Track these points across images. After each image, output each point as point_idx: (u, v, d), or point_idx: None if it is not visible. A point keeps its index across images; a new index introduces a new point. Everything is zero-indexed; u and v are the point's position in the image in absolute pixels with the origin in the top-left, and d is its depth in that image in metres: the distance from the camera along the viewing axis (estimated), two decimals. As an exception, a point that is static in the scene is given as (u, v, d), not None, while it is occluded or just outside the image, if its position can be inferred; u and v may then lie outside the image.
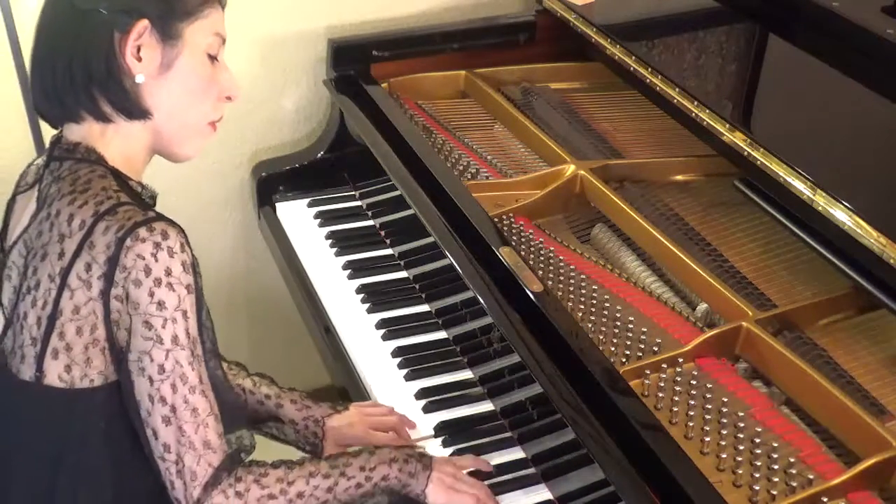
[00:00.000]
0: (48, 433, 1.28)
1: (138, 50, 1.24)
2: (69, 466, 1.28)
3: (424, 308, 1.80)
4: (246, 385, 1.54)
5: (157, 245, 1.20)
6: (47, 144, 1.36)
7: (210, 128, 1.35)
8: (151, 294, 1.20)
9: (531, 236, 1.71)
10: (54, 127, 1.35)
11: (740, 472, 1.30)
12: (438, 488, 1.39)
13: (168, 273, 1.21)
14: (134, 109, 1.28)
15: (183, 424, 1.23)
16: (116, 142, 1.30)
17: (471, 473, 1.45)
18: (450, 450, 1.53)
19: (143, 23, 1.23)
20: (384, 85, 2.07)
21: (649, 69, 1.78)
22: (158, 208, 1.34)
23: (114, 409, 1.27)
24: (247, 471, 1.29)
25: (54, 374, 1.24)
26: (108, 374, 1.25)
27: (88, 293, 1.21)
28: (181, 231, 1.24)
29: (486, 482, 1.45)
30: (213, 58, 1.31)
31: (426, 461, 1.40)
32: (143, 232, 1.20)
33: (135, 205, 1.24)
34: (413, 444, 1.53)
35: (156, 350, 1.21)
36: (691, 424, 1.37)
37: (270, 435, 1.57)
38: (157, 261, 1.20)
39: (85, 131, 1.29)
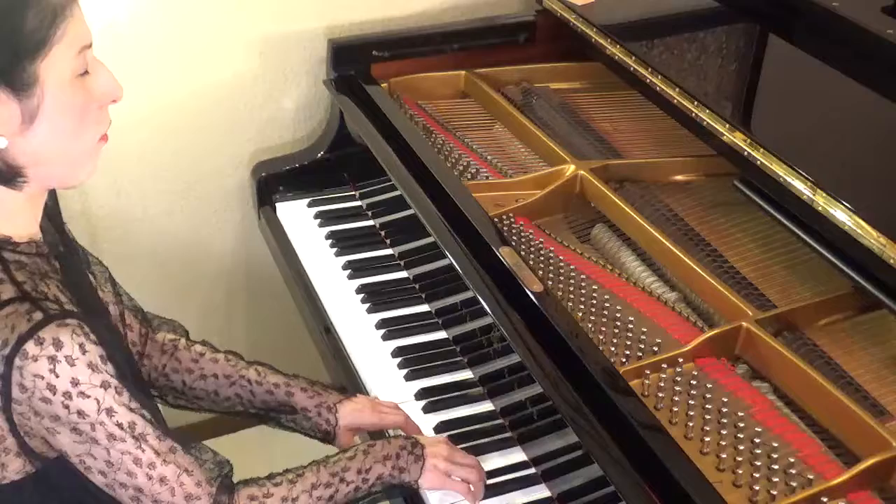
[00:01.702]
0: None
1: None
2: None
3: (424, 308, 1.80)
4: (251, 376, 1.50)
5: (53, 359, 1.08)
6: None
7: (101, 143, 1.17)
8: (67, 406, 1.10)
9: (531, 236, 1.71)
10: None
11: (740, 472, 1.30)
12: (433, 476, 1.39)
13: (75, 383, 1.09)
14: (4, 176, 1.11)
15: (157, 496, 1.17)
16: None
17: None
18: (450, 450, 1.53)
19: None
20: (384, 85, 2.07)
21: (649, 69, 1.78)
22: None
23: (44, 495, 1.20)
24: (248, 495, 1.26)
25: None
26: (28, 471, 1.18)
27: None
28: (76, 326, 1.10)
29: (487, 482, 1.46)
30: (83, 73, 1.11)
31: (418, 451, 1.39)
32: (31, 348, 1.07)
33: (19, 299, 1.09)
34: (421, 432, 1.53)
35: (95, 449, 1.14)
36: (691, 424, 1.37)
37: (279, 425, 1.54)
38: (58, 376, 1.08)
39: None
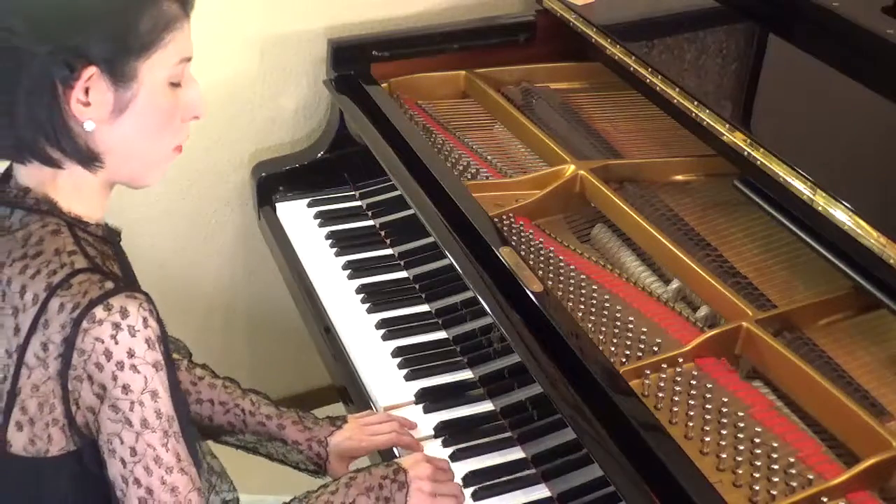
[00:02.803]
0: (16, 501, 1.23)
1: (86, 93, 1.11)
2: None
3: (424, 308, 1.80)
4: (245, 406, 1.51)
5: (117, 325, 1.11)
6: None
7: (175, 152, 1.23)
8: (115, 378, 1.12)
9: (531, 236, 1.71)
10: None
11: (740, 472, 1.31)
12: (419, 499, 1.36)
13: (131, 355, 1.12)
14: (84, 157, 1.16)
15: None
16: (70, 187, 1.19)
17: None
18: (450, 450, 1.53)
19: (90, 71, 1.09)
20: (384, 85, 2.07)
21: (649, 69, 1.78)
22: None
23: (79, 477, 1.21)
24: None
25: (19, 446, 1.18)
26: (69, 448, 1.19)
27: (46, 372, 1.13)
28: (144, 301, 1.14)
29: (486, 482, 1.46)
30: (176, 83, 1.18)
31: (401, 478, 1.37)
32: (99, 312, 1.11)
33: (91, 269, 1.14)
34: (415, 444, 1.53)
35: (125, 433, 1.14)
36: (691, 424, 1.37)
37: (267, 456, 1.54)
38: (117, 343, 1.11)
39: (34, 175, 1.18)
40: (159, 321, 1.16)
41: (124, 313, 1.11)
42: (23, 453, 1.18)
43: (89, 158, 1.16)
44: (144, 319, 1.13)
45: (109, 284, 1.13)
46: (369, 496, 1.33)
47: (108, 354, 1.11)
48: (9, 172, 1.23)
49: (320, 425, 1.52)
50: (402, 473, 1.37)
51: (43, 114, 1.11)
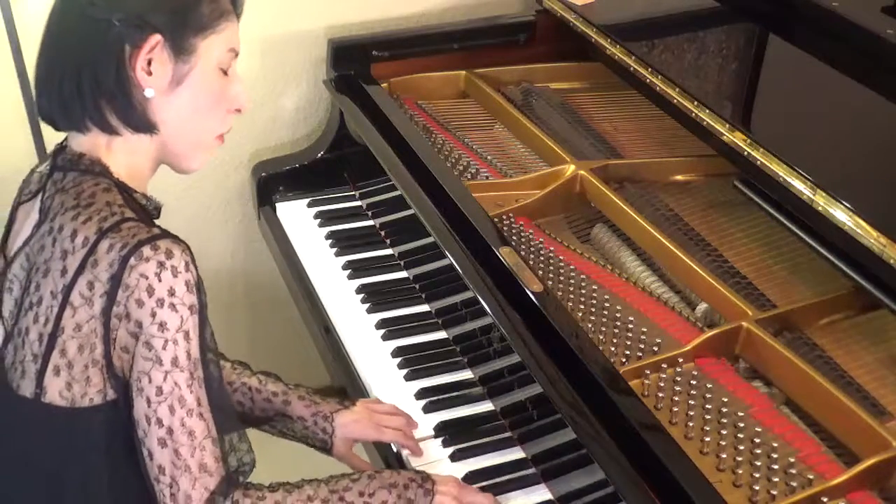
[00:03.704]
0: (48, 450, 1.27)
1: (149, 63, 1.22)
2: (70, 483, 1.27)
3: (424, 308, 1.80)
4: (252, 384, 1.53)
5: (161, 264, 1.18)
6: (49, 150, 1.34)
7: (218, 141, 1.34)
8: (153, 314, 1.18)
9: (531, 236, 1.71)
10: (59, 131, 1.33)
11: (740, 472, 1.30)
12: None
13: (171, 293, 1.18)
14: (141, 123, 1.25)
15: (179, 448, 1.21)
16: (122, 154, 1.28)
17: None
18: (450, 450, 1.53)
19: (156, 38, 1.20)
20: (384, 85, 2.07)
21: (649, 69, 1.78)
22: (163, 209, 1.34)
23: (113, 427, 1.25)
24: (243, 494, 1.26)
25: (55, 392, 1.23)
26: (106, 393, 1.23)
27: (90, 311, 1.19)
28: (187, 249, 1.22)
29: (486, 482, 1.46)
30: (224, 72, 1.29)
31: (428, 486, 1.37)
32: (147, 251, 1.18)
33: (139, 221, 1.22)
34: (417, 449, 1.53)
35: (154, 371, 1.19)
36: (691, 424, 1.37)
37: (280, 432, 1.56)
38: (160, 280, 1.18)
39: (90, 142, 1.27)
40: (199, 277, 1.23)
41: (169, 254, 1.19)
42: (58, 401, 1.23)
43: (147, 126, 1.26)
44: (187, 263, 1.20)
45: (157, 230, 1.22)
46: (391, 492, 1.34)
47: (151, 290, 1.18)
48: (63, 144, 1.31)
49: (327, 402, 1.54)
50: (431, 482, 1.38)
51: (110, 79, 1.21)
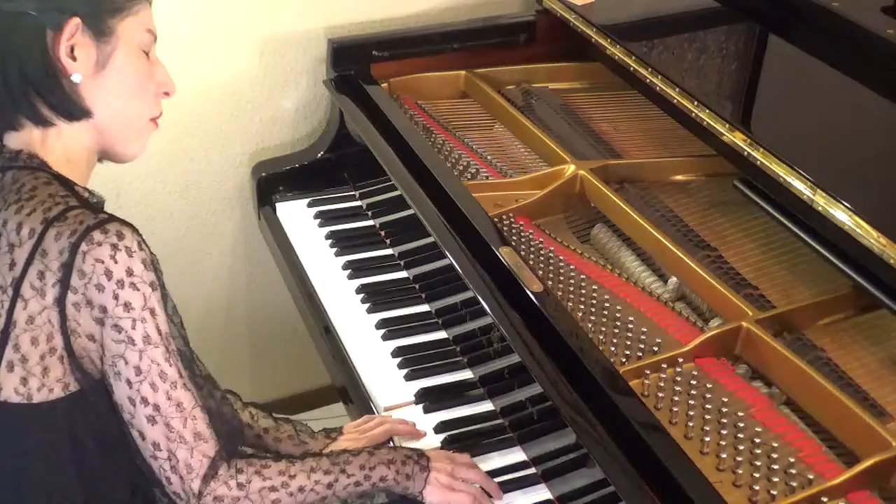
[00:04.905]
0: (9, 448, 1.26)
1: (72, 50, 1.23)
2: (35, 480, 1.26)
3: (424, 308, 1.80)
4: (244, 418, 1.52)
5: (115, 246, 1.18)
6: None
7: (152, 124, 1.35)
8: (116, 297, 1.18)
9: (531, 236, 1.71)
10: None
11: (740, 472, 1.30)
12: (435, 488, 1.39)
13: (130, 273, 1.19)
14: (74, 110, 1.26)
15: (170, 421, 1.22)
16: (59, 146, 1.28)
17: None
18: (450, 450, 1.52)
19: (75, 21, 1.22)
20: (384, 85, 2.07)
21: (649, 69, 1.78)
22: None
23: (79, 420, 1.25)
24: (248, 462, 1.28)
25: (10, 388, 1.22)
26: (68, 383, 1.23)
27: (43, 301, 1.19)
28: (136, 230, 1.22)
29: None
30: (146, 54, 1.31)
31: (423, 462, 1.40)
32: (97, 235, 1.18)
33: (84, 208, 1.22)
34: (414, 430, 1.54)
35: (129, 352, 1.20)
36: (691, 424, 1.37)
37: None
38: (116, 262, 1.18)
39: (25, 138, 1.28)
40: (152, 255, 1.23)
41: (120, 235, 1.19)
42: (13, 398, 1.22)
43: (78, 112, 1.26)
44: (139, 242, 1.21)
45: (104, 215, 1.21)
46: (390, 468, 1.37)
47: (109, 274, 1.18)
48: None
49: (316, 439, 1.54)
50: (426, 459, 1.41)
51: (36, 70, 1.22)
